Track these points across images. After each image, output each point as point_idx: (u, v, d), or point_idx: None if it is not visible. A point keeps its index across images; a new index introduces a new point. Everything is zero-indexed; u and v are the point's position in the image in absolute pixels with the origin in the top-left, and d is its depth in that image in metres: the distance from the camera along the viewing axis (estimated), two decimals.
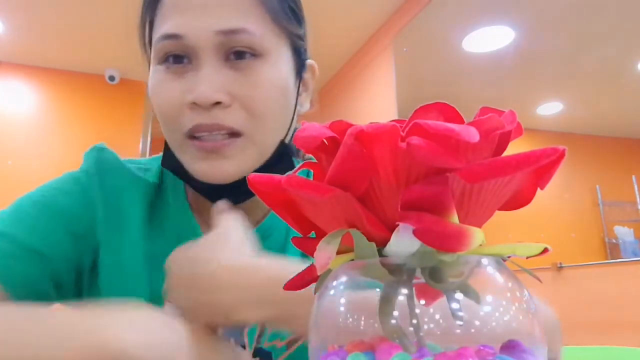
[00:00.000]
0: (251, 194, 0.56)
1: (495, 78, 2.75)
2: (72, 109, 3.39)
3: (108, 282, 0.56)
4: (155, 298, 0.56)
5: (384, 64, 2.81)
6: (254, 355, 0.54)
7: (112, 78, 3.44)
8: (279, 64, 0.54)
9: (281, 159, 0.57)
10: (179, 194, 0.61)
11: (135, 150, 3.37)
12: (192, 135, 0.52)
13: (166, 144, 0.58)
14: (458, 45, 2.59)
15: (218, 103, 0.50)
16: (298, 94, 0.60)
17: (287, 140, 0.58)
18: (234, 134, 0.52)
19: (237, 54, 0.52)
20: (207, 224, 0.60)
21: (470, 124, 0.22)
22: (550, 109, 3.04)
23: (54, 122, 3.35)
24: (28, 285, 0.51)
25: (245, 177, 0.53)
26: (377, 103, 2.87)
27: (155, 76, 0.54)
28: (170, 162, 0.57)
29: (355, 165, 0.21)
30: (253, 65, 0.52)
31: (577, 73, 2.71)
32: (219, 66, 0.51)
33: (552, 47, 2.53)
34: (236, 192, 0.55)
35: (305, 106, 0.62)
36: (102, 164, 0.59)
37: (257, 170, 0.54)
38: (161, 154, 0.63)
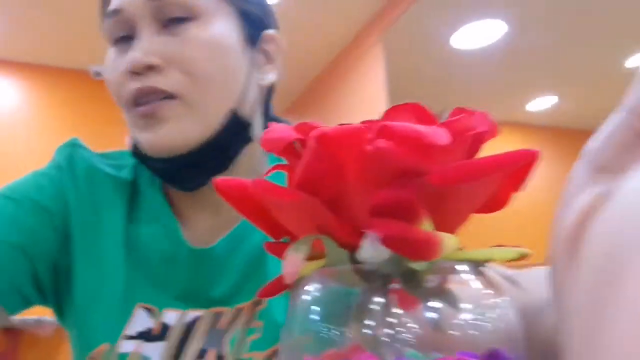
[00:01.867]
0: (205, 175, 0.55)
1: (488, 73, 2.74)
2: (61, 105, 3.33)
3: (84, 282, 0.54)
4: (130, 296, 0.54)
5: (374, 61, 2.80)
6: None
7: (97, 74, 3.40)
8: (217, 25, 0.54)
9: (235, 132, 0.55)
10: (155, 187, 0.60)
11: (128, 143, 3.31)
12: (134, 105, 0.52)
13: None
14: (446, 42, 2.59)
15: (152, 67, 0.51)
16: (254, 63, 0.58)
17: (241, 112, 0.55)
18: (169, 97, 0.51)
19: (172, 19, 0.52)
20: (182, 216, 0.59)
21: (441, 125, 0.21)
22: (543, 103, 3.04)
23: (42, 119, 3.29)
24: (10, 284, 0.50)
25: (194, 156, 0.52)
26: (367, 99, 2.87)
27: (107, 57, 0.55)
28: (134, 150, 0.56)
29: (321, 170, 0.20)
30: (188, 27, 0.52)
31: (571, 67, 2.71)
32: (155, 33, 0.52)
33: (546, 40, 2.53)
34: (190, 174, 0.54)
35: (269, 78, 0.60)
36: (74, 161, 0.58)
37: (206, 144, 0.53)
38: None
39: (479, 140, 0.23)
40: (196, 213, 0.59)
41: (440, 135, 0.19)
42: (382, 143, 0.18)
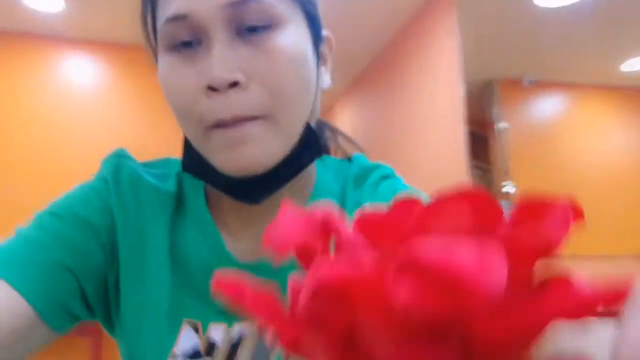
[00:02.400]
0: (275, 189, 0.52)
1: (576, 32, 2.49)
2: (135, 81, 3.38)
3: (131, 296, 0.54)
4: (176, 309, 0.53)
5: (447, 25, 2.62)
6: None
7: None
8: (295, 33, 0.49)
9: (308, 145, 0.52)
10: (199, 197, 0.57)
11: None
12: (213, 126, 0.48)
13: (185, 143, 0.53)
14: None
15: (235, 84, 0.46)
16: (318, 68, 0.54)
17: (312, 122, 0.53)
18: (253, 118, 0.47)
19: (250, 27, 0.47)
20: (227, 228, 0.57)
21: (501, 241, 0.15)
22: (638, 64, 2.74)
23: (118, 95, 3.36)
24: (56, 302, 0.49)
25: (270, 170, 0.48)
26: (440, 65, 2.70)
27: (165, 64, 0.49)
28: (191, 164, 0.53)
29: (327, 315, 0.15)
30: (268, 38, 0.47)
31: None
32: (231, 43, 0.47)
33: None
34: (261, 188, 0.51)
35: (326, 82, 0.57)
36: (120, 173, 0.56)
37: (286, 158, 0.50)
38: (175, 157, 0.60)
39: (553, 247, 0.16)
40: (241, 225, 0.56)
41: (492, 278, 0.13)
42: (404, 294, 0.13)
